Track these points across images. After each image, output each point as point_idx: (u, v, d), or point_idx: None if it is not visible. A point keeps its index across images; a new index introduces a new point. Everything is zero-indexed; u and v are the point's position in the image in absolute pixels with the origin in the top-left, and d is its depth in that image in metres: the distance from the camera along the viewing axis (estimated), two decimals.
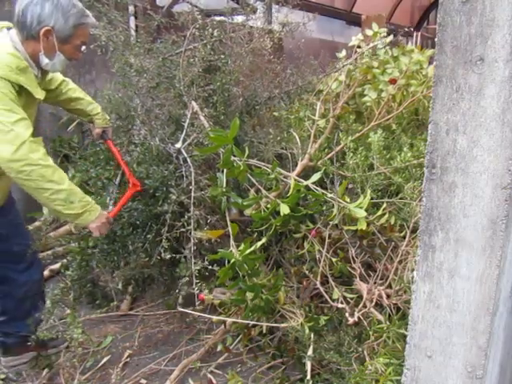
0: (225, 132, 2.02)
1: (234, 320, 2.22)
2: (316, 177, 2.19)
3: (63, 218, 2.10)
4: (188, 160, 2.20)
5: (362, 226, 2.13)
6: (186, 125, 2.23)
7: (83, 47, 1.99)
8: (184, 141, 2.23)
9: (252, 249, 1.98)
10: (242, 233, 2.39)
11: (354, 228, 2.20)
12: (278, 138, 2.61)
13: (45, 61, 1.90)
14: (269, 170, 2.19)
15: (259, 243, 2.02)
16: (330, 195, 2.18)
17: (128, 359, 2.39)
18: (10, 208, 2.13)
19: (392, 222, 2.26)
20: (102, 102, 2.64)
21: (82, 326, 2.21)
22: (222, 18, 2.83)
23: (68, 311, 2.38)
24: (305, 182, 2.16)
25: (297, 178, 2.23)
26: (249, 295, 2.06)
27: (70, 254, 2.55)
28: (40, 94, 1.93)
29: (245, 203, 2.14)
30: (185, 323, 2.67)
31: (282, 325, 2.14)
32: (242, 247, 1.99)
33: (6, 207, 2.09)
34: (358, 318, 2.00)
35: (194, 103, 2.32)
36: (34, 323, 2.19)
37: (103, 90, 3.04)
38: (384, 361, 1.78)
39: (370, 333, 2.01)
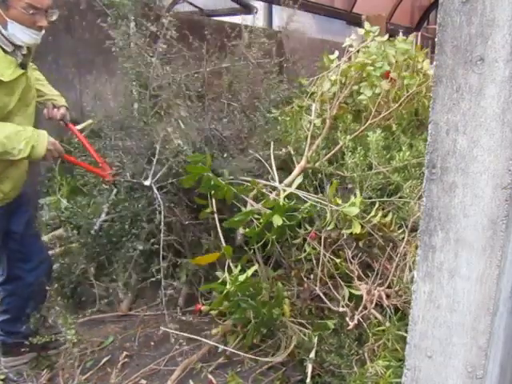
0: (202, 157, 2.06)
1: (234, 328, 2.23)
2: (297, 181, 2.19)
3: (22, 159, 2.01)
4: (159, 197, 2.17)
5: (357, 229, 2.12)
6: (154, 160, 2.22)
7: (52, 14, 1.88)
8: (154, 175, 2.21)
9: (245, 276, 1.96)
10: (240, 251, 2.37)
11: (349, 231, 2.19)
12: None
13: (4, 32, 1.81)
14: (260, 184, 2.20)
15: (250, 271, 2.00)
16: (317, 199, 2.17)
17: (126, 359, 2.39)
18: (26, 208, 2.13)
19: (388, 219, 2.25)
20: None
21: (74, 327, 2.21)
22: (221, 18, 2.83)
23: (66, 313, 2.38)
24: (288, 190, 2.16)
25: (284, 187, 2.23)
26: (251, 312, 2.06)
27: (62, 255, 2.56)
28: (6, 76, 1.81)
29: (236, 219, 2.12)
30: (185, 323, 2.67)
31: (287, 325, 2.13)
32: (233, 275, 1.97)
33: (22, 207, 2.09)
34: (358, 320, 2.00)
35: (168, 129, 2.33)
36: (35, 324, 2.18)
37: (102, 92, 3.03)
38: (384, 363, 1.78)
39: (370, 335, 2.00)
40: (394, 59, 2.71)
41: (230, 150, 2.49)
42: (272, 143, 2.55)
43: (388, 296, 2.10)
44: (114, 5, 2.50)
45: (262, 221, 2.08)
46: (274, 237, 2.09)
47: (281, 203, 2.07)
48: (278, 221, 2.02)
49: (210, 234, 2.41)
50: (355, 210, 2.08)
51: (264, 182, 2.29)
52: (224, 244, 2.12)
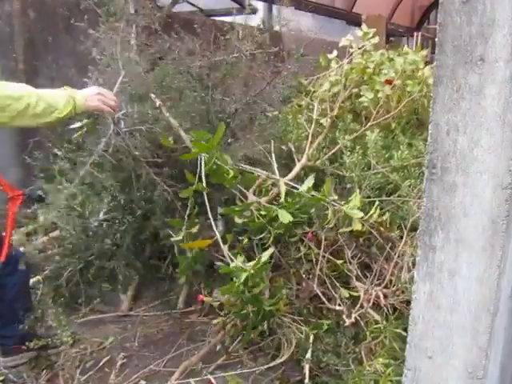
0: (208, 135, 1.96)
1: (234, 323, 2.21)
2: (309, 182, 2.14)
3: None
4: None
5: (357, 227, 2.11)
6: None
7: None
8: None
9: (264, 260, 1.89)
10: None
11: (348, 230, 2.18)
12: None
13: None
14: (262, 175, 2.16)
15: (267, 254, 1.93)
16: (329, 199, 2.15)
17: (125, 360, 2.38)
18: None
19: (385, 218, 2.23)
20: None
21: (72, 327, 2.21)
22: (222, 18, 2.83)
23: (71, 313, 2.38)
24: (300, 189, 2.11)
25: (288, 182, 2.20)
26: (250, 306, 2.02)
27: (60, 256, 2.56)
28: None
29: (237, 209, 2.08)
30: (185, 324, 2.67)
31: (280, 327, 2.13)
32: (255, 261, 1.88)
33: None
34: (356, 318, 2.00)
35: (155, 98, 2.27)
36: (29, 323, 2.18)
37: None
38: (384, 361, 1.78)
39: (368, 333, 2.00)
40: (400, 68, 2.72)
41: (232, 136, 2.48)
42: (273, 140, 2.55)
43: (385, 296, 2.10)
44: (104, 3, 2.47)
45: (262, 213, 2.05)
46: (279, 231, 2.06)
47: (290, 200, 2.05)
48: (286, 217, 1.97)
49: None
50: (359, 214, 2.06)
51: (264, 172, 2.24)
52: (216, 230, 2.02)
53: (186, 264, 2.13)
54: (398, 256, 2.18)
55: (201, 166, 2.00)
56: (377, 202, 2.25)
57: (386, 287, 2.16)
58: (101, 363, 2.33)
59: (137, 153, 2.26)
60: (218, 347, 2.34)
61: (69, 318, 2.39)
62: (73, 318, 2.58)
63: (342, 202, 2.17)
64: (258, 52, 2.65)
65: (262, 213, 2.07)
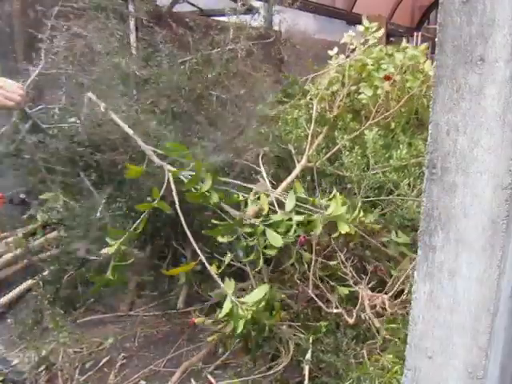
0: (184, 148, 1.81)
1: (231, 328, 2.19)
2: (291, 202, 2.00)
3: None
4: None
5: (344, 229, 2.02)
6: None
7: None
8: None
9: (264, 295, 1.74)
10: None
11: (336, 234, 2.13)
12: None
13: None
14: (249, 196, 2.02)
15: (264, 288, 1.78)
16: (316, 210, 2.06)
17: (125, 360, 2.38)
18: None
19: (371, 216, 2.20)
20: None
21: (70, 328, 2.20)
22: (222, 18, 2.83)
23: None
24: (286, 209, 1.99)
25: (279, 194, 2.12)
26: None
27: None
28: None
29: (222, 230, 1.95)
30: (185, 324, 2.67)
31: (281, 331, 2.12)
32: (254, 300, 1.73)
33: None
34: (357, 318, 1.99)
35: (90, 94, 2.19)
36: None
37: None
38: (393, 359, 1.77)
39: (376, 332, 2.00)
40: (400, 63, 2.70)
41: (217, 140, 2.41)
42: (270, 143, 2.54)
43: (392, 305, 2.07)
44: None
45: (248, 230, 1.94)
46: (274, 253, 1.96)
47: (280, 218, 1.94)
48: (277, 241, 1.83)
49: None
50: (345, 224, 1.97)
51: (253, 187, 2.14)
52: (198, 250, 1.82)
53: (101, 285, 2.01)
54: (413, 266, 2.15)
55: (168, 179, 1.80)
56: (359, 204, 2.20)
57: (392, 297, 2.12)
58: (100, 363, 2.33)
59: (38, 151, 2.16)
60: (220, 351, 2.35)
61: (68, 318, 2.39)
62: (72, 318, 2.58)
63: (324, 201, 2.10)
64: (243, 46, 2.63)
65: (248, 230, 1.94)
